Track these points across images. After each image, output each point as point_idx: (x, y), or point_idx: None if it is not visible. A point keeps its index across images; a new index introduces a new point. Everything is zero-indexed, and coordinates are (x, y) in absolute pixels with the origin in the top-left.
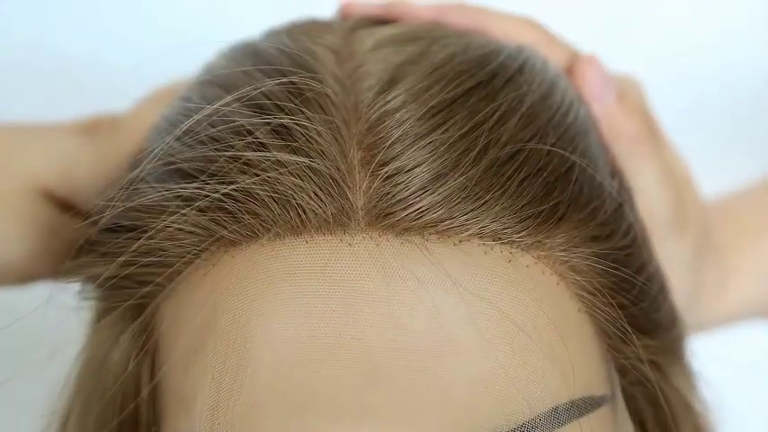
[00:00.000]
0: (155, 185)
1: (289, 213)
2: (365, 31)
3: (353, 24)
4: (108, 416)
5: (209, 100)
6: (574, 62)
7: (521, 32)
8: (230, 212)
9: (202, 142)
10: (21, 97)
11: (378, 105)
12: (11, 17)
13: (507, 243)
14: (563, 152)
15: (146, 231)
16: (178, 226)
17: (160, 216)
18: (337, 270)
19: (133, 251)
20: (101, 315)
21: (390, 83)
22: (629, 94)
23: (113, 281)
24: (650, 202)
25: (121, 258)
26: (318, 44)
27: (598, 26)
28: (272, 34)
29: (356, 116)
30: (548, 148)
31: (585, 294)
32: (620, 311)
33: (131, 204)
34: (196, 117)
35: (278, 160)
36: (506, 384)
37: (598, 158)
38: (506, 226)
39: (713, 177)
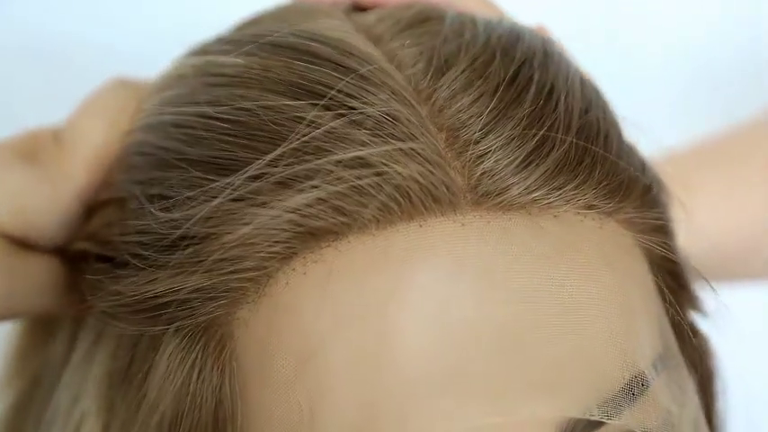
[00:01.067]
0: (241, 196)
1: (399, 198)
2: (360, 17)
3: (344, 10)
4: None
5: (251, 99)
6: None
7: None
8: (330, 207)
9: (296, 149)
10: (20, 81)
11: (443, 86)
12: (9, 0)
13: (596, 211)
14: (614, 118)
15: (230, 239)
16: (272, 227)
17: (249, 222)
18: (457, 250)
19: (216, 260)
20: (151, 343)
21: (445, 63)
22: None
23: (188, 295)
24: None
25: (202, 270)
26: (340, 30)
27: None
28: (276, 25)
29: (422, 98)
30: (606, 117)
31: (652, 256)
32: (671, 268)
33: (211, 211)
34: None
35: (378, 150)
36: (623, 341)
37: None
38: (598, 194)
39: None
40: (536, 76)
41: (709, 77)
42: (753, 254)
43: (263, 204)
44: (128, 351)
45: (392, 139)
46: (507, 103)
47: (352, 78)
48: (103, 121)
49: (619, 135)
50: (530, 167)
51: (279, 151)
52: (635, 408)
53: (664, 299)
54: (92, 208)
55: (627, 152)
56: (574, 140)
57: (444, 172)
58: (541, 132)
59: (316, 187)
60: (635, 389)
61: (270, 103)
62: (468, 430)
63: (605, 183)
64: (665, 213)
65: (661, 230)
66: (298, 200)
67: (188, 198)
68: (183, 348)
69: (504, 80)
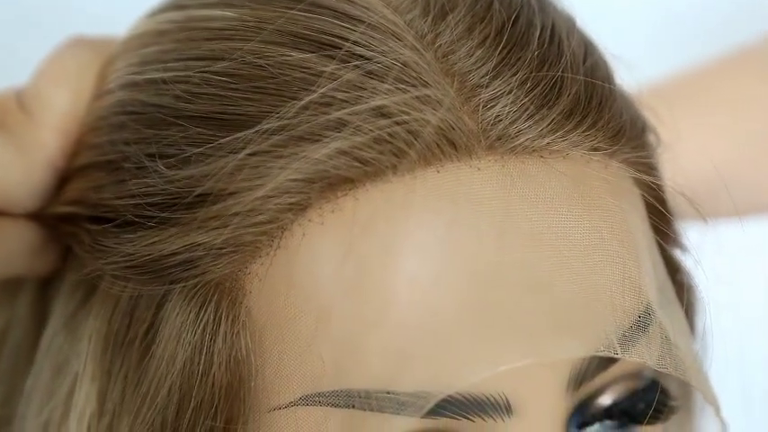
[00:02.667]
0: (262, 149)
1: (416, 145)
2: None
3: None
4: (199, 415)
5: (261, 53)
6: None
7: None
8: (354, 157)
9: (313, 102)
10: (20, 52)
11: (445, 31)
12: None
13: (602, 153)
14: (608, 63)
15: (246, 193)
16: (289, 179)
17: (267, 176)
18: (475, 194)
19: (230, 214)
20: (160, 301)
21: (443, 8)
22: None
23: (202, 252)
24: None
25: (210, 224)
26: None
27: None
28: None
29: (425, 43)
30: (602, 59)
31: (643, 194)
32: (662, 207)
33: (224, 171)
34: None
35: (392, 99)
36: (633, 274)
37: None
38: (604, 137)
39: None
40: (537, 19)
41: (684, 14)
42: (717, 195)
43: (281, 157)
44: (126, 314)
45: (407, 86)
46: (513, 46)
47: (359, 27)
48: (67, 85)
49: (613, 76)
50: (542, 111)
51: (294, 104)
52: (645, 340)
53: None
54: (68, 174)
55: (623, 93)
56: (582, 82)
57: (458, 117)
58: (549, 74)
59: (333, 138)
60: (646, 322)
61: (271, 55)
62: (500, 373)
63: (611, 125)
64: (653, 153)
65: (652, 169)
66: (315, 151)
67: (200, 154)
68: (194, 307)
69: (506, 22)
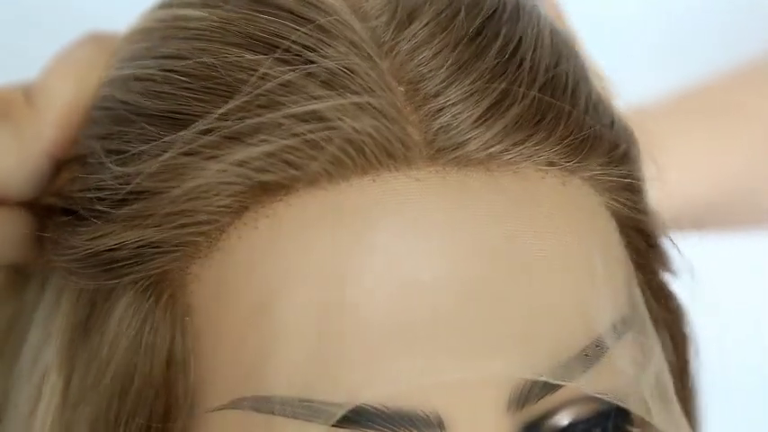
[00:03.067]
0: (191, 150)
1: (352, 153)
2: None
3: None
4: (143, 407)
5: (212, 53)
6: None
7: None
8: (281, 160)
9: (245, 100)
10: (19, 53)
11: (406, 38)
12: None
13: (559, 167)
14: (585, 72)
15: (180, 192)
16: (222, 181)
17: (198, 175)
18: (411, 205)
19: (166, 213)
20: (105, 296)
21: (410, 15)
22: None
23: (134, 249)
24: None
25: (148, 222)
26: None
27: None
28: None
29: (384, 51)
30: (574, 68)
31: (620, 213)
32: (642, 227)
33: (154, 169)
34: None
35: (332, 104)
36: (581, 302)
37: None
38: (560, 151)
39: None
40: (503, 30)
41: (688, 24)
42: (738, 202)
43: (213, 158)
44: (86, 305)
45: (347, 92)
46: (469, 57)
47: (310, 30)
48: (73, 78)
49: (589, 89)
50: (488, 122)
51: (230, 105)
52: (591, 371)
53: (633, 259)
54: (60, 165)
55: (596, 107)
56: (536, 95)
57: (400, 126)
58: (501, 87)
59: (266, 141)
60: (592, 352)
61: (227, 55)
62: (430, 388)
63: (568, 139)
64: (634, 171)
65: (630, 188)
66: (247, 153)
67: (143, 152)
68: (136, 301)
69: (467, 33)
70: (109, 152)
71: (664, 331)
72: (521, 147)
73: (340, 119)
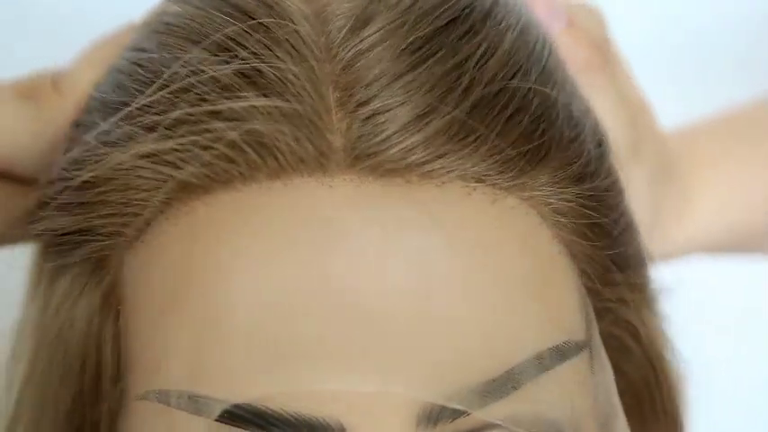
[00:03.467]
0: (119, 139)
1: (264, 156)
2: None
3: None
4: (70, 383)
5: (171, 47)
6: None
7: None
8: (199, 160)
9: (171, 93)
10: (9, 55)
11: (352, 44)
12: None
13: (490, 185)
14: (544, 90)
15: (109, 181)
16: (144, 175)
17: (123, 166)
18: (317, 212)
19: (96, 202)
20: (54, 275)
21: (363, 21)
22: (581, 22)
23: (73, 234)
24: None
25: (84, 212)
26: None
27: None
28: None
29: (329, 56)
30: (528, 86)
31: (567, 235)
32: (602, 252)
33: (92, 158)
34: (173, 69)
35: (251, 105)
36: (493, 328)
37: (575, 95)
38: (490, 167)
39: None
40: (449, 41)
41: (699, 46)
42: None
43: (130, 150)
44: (47, 284)
45: (273, 95)
46: (405, 68)
47: (257, 32)
48: (99, 67)
49: (547, 104)
50: (409, 132)
51: (154, 97)
52: (503, 402)
53: (589, 286)
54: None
55: (553, 122)
56: (468, 109)
57: (320, 133)
58: (430, 98)
59: (182, 136)
60: (503, 382)
61: (178, 50)
62: (331, 397)
63: (501, 156)
64: (597, 191)
65: (586, 208)
66: (164, 146)
67: (85, 141)
68: (78, 282)
69: (411, 43)
70: (71, 140)
71: (626, 359)
72: (442, 159)
73: (257, 121)
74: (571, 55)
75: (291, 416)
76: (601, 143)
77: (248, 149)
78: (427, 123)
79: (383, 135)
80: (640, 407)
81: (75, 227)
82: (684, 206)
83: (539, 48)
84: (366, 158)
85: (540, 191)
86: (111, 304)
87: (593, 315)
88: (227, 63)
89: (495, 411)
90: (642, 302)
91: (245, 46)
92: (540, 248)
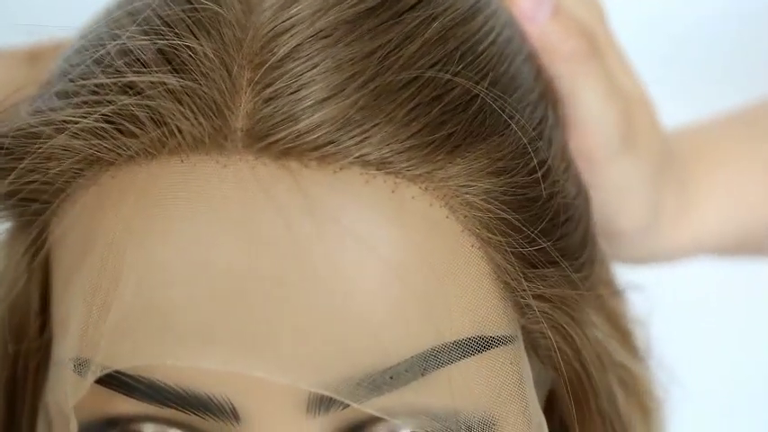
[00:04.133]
0: (43, 106)
1: (164, 133)
2: None
3: None
4: (11, 342)
5: (112, 23)
6: None
7: None
8: (107, 133)
9: (91, 64)
10: None
11: (272, 25)
12: None
13: (392, 173)
14: (465, 82)
15: (32, 149)
16: (60, 145)
17: (42, 135)
18: (209, 192)
19: (20, 168)
20: (7, 236)
21: (289, 2)
22: (571, 9)
23: (8, 198)
24: (593, 121)
25: (10, 177)
26: None
27: None
28: None
29: (248, 36)
30: (447, 77)
31: (481, 230)
32: (523, 248)
33: (19, 125)
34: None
35: (159, 81)
36: (382, 321)
37: (518, 89)
38: (392, 154)
39: (696, 112)
40: (372, 26)
41: (697, 34)
42: None
43: (47, 119)
44: (2, 249)
45: (182, 74)
46: (321, 49)
47: (182, 11)
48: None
49: (467, 96)
50: (307, 113)
51: (76, 69)
52: (395, 394)
53: (505, 281)
54: None
55: (473, 114)
56: (372, 93)
57: (221, 113)
58: (336, 80)
59: (91, 106)
60: (394, 374)
61: (116, 30)
62: (223, 376)
63: (404, 143)
64: (518, 186)
65: (507, 205)
66: (73, 118)
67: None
68: (14, 243)
69: (331, 24)
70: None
71: (556, 356)
72: (337, 144)
73: (163, 99)
74: (556, 45)
75: (182, 389)
76: (534, 140)
77: (150, 126)
78: (326, 106)
79: (281, 116)
80: (578, 405)
81: (7, 190)
82: (688, 206)
83: (477, 38)
84: (262, 139)
85: (451, 182)
86: (35, 266)
87: (514, 311)
88: (152, 40)
89: (385, 402)
90: (581, 300)
91: (170, 25)
92: (443, 242)
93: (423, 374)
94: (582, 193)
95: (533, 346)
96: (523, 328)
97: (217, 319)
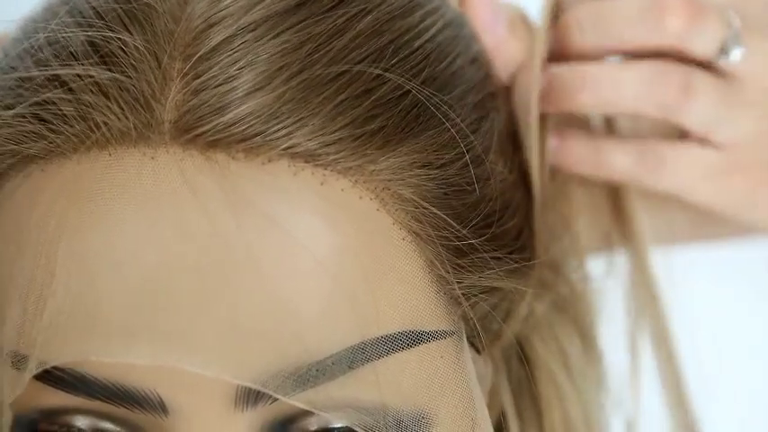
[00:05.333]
0: None
1: (89, 127)
2: None
3: None
4: None
5: (46, 14)
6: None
7: None
8: (33, 126)
9: (22, 54)
10: None
11: (205, 16)
12: None
13: (321, 165)
14: (397, 77)
15: None
16: None
17: None
18: (135, 184)
19: None
20: None
21: None
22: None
23: None
24: None
25: None
26: None
27: None
28: None
29: (183, 27)
30: (377, 71)
31: (413, 223)
32: (458, 241)
33: None
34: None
35: (86, 74)
36: (297, 318)
37: (456, 88)
38: (320, 146)
39: None
40: (302, 20)
41: None
42: None
43: None
44: None
45: (111, 67)
46: (252, 40)
47: (116, 4)
48: None
49: (399, 92)
50: (235, 104)
51: (8, 60)
52: (313, 390)
53: (440, 275)
54: None
55: (404, 109)
56: (299, 86)
57: (147, 104)
58: (264, 73)
59: (21, 95)
60: (309, 371)
61: (50, 18)
62: (151, 370)
63: (332, 135)
64: (451, 180)
65: (440, 198)
66: (2, 110)
67: None
68: None
69: (263, 17)
70: None
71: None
72: (263, 136)
73: (91, 93)
74: (515, 55)
75: (111, 383)
76: (469, 135)
77: (74, 120)
78: (254, 98)
79: (209, 108)
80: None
81: None
82: None
83: (413, 34)
84: (189, 131)
85: (382, 176)
86: None
87: (451, 304)
88: (83, 31)
89: (313, 396)
90: (519, 288)
91: (102, 16)
92: (373, 234)
93: (350, 368)
94: (520, 186)
95: (477, 337)
96: (464, 318)
97: (139, 312)
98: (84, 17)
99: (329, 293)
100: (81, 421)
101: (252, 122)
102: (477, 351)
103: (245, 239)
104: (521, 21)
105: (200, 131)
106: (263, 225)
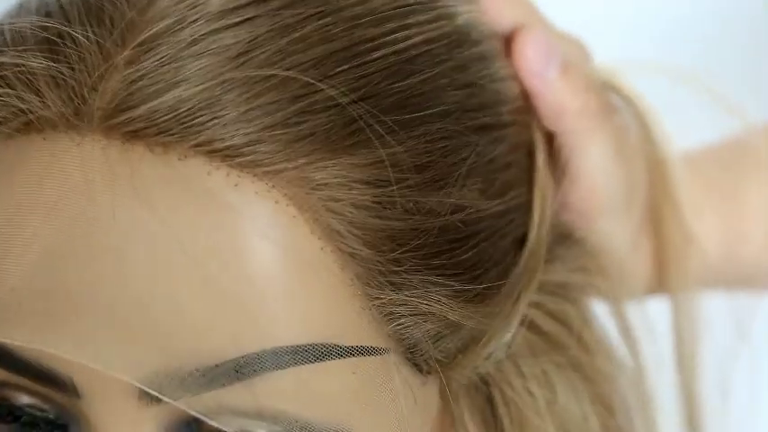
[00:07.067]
0: None
1: (24, 111)
2: None
3: None
4: None
5: (20, 3)
6: (516, 32)
7: None
8: None
9: None
10: None
11: (159, 9)
12: None
13: (237, 166)
14: (329, 89)
15: None
16: None
17: None
18: (59, 169)
19: None
20: None
21: None
22: (574, 61)
23: None
24: (598, 179)
25: None
26: None
27: None
28: None
29: (130, 18)
30: (306, 79)
31: (335, 235)
32: (382, 266)
33: None
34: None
35: (31, 63)
36: (186, 321)
37: (419, 107)
38: (236, 147)
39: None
40: (250, 17)
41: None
42: None
43: None
44: None
45: (49, 54)
46: (192, 36)
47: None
48: None
49: (329, 102)
50: (156, 96)
51: None
52: (204, 396)
53: (366, 291)
54: None
55: (332, 120)
56: (222, 85)
57: (80, 93)
58: (197, 66)
59: None
60: (194, 376)
61: (22, 9)
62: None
63: (251, 137)
64: (387, 202)
65: (375, 213)
66: None
67: None
68: None
69: (208, 14)
70: None
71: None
72: (183, 128)
73: (20, 77)
74: (565, 103)
75: (32, 361)
76: (422, 155)
77: (13, 102)
78: (175, 92)
79: (137, 99)
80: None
81: None
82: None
83: (369, 46)
84: (112, 119)
85: (304, 184)
86: None
87: (380, 322)
88: (43, 24)
89: (202, 402)
90: (466, 315)
91: (63, 9)
92: (285, 243)
93: (239, 379)
94: (487, 215)
95: (417, 360)
96: (399, 339)
97: (35, 295)
98: (48, 9)
99: (224, 299)
100: (26, 399)
101: (170, 116)
102: (421, 373)
103: (136, 235)
104: (580, 55)
105: (120, 120)
106: (155, 223)
